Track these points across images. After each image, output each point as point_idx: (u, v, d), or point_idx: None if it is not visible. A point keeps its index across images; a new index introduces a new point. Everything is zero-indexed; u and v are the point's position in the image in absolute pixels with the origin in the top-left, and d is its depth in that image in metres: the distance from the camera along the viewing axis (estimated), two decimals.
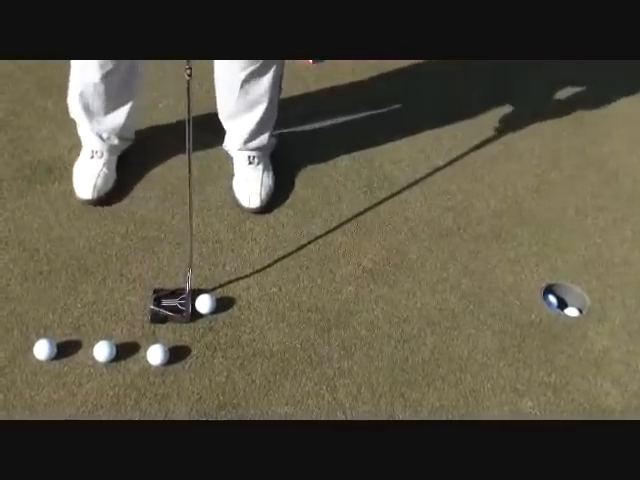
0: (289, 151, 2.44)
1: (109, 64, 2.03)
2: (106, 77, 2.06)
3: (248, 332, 1.95)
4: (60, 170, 2.29)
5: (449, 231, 2.27)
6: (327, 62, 2.82)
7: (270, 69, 2.09)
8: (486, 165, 2.49)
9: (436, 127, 2.60)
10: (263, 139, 2.26)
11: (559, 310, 2.10)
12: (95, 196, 2.17)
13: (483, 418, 1.82)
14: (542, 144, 2.60)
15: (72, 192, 2.21)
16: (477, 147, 2.54)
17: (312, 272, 2.10)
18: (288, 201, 2.29)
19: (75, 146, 2.31)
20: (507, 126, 2.63)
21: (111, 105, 2.15)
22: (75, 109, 2.19)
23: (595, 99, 2.80)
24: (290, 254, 2.14)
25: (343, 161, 2.43)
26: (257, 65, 2.07)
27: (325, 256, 2.15)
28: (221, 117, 2.26)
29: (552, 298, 2.12)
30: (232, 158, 2.33)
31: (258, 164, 2.28)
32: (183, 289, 1.97)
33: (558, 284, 2.15)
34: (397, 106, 2.67)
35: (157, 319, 1.93)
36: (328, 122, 2.56)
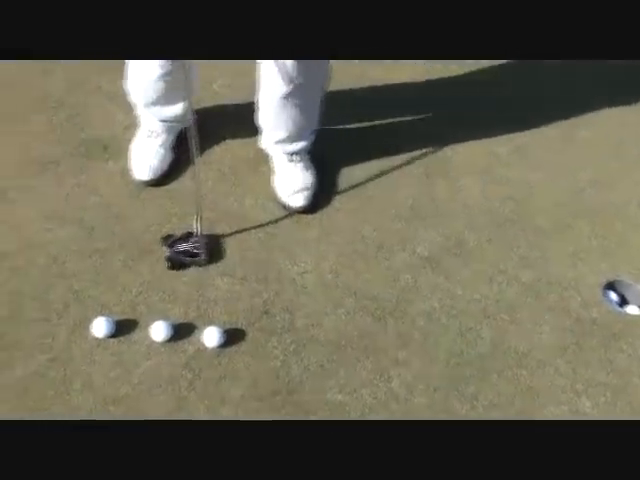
0: (345, 135, 2.41)
1: (168, 65, 2.01)
2: (164, 76, 2.04)
3: (304, 317, 1.94)
4: (116, 148, 2.28)
5: (508, 220, 2.22)
6: None
7: (313, 85, 2.05)
8: (547, 154, 2.43)
9: (496, 114, 2.54)
10: (302, 144, 2.20)
11: (620, 308, 2.05)
12: (152, 177, 2.17)
13: (540, 417, 1.79)
14: (603, 134, 2.52)
15: (128, 170, 2.21)
16: (537, 136, 2.48)
17: (368, 258, 2.08)
18: (343, 186, 2.26)
19: (131, 125, 2.31)
20: (568, 115, 2.56)
21: (169, 99, 2.12)
22: (134, 98, 2.19)
23: None
24: (345, 239, 2.12)
25: (400, 146, 2.39)
26: (300, 82, 1.99)
27: (381, 243, 2.13)
28: (259, 122, 2.19)
29: (613, 295, 2.07)
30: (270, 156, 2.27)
31: (299, 161, 2.21)
32: (192, 233, 1.97)
33: (619, 280, 2.10)
34: (455, 91, 2.62)
35: (176, 265, 1.95)
36: (386, 108, 2.52)
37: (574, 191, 2.33)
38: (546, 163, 2.40)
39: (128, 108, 2.28)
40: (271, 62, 1.97)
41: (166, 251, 1.96)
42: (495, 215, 2.23)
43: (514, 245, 2.16)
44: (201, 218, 1.98)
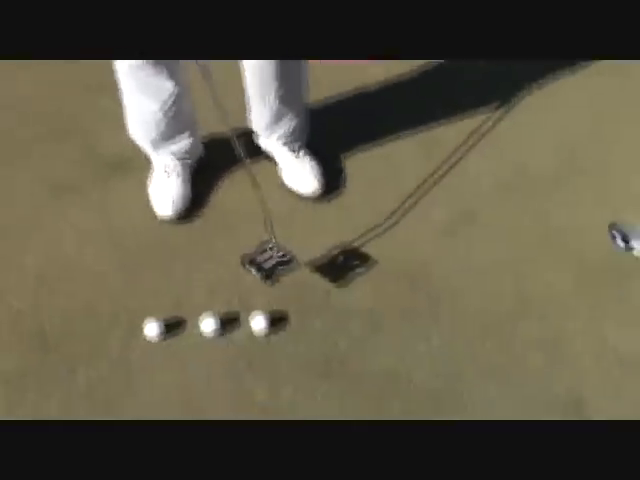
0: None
1: (165, 93, 2.06)
2: (163, 106, 2.09)
3: None
4: (128, 165, 2.35)
5: None
6: None
7: (295, 83, 2.14)
8: None
9: None
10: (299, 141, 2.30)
11: None
12: (175, 211, 2.19)
13: None
14: None
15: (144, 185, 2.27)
16: None
17: None
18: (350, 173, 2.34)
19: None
20: None
21: (174, 132, 2.18)
22: (140, 141, 2.24)
23: None
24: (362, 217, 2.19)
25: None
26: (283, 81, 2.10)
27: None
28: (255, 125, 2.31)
29: None
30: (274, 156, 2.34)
31: (305, 155, 2.31)
32: (267, 243, 1.99)
33: None
34: None
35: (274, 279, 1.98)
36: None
37: None
38: None
39: None
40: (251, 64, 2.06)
41: (257, 273, 1.98)
42: None
43: None
44: (272, 225, 1.98)
